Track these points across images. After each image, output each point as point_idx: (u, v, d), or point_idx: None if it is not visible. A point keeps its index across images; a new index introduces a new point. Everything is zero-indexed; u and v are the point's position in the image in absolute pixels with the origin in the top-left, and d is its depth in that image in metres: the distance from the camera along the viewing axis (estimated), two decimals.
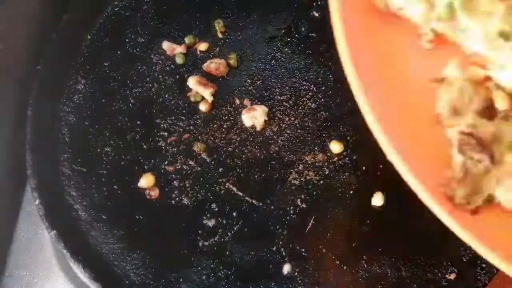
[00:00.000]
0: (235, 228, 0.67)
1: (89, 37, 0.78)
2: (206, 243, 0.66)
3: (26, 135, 0.70)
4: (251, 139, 0.71)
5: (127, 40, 0.77)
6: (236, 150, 0.71)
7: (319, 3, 0.78)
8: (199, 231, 0.67)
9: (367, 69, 0.48)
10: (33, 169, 0.68)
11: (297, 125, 0.72)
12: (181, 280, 0.65)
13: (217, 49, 0.76)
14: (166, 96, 0.74)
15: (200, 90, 0.73)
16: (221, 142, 0.71)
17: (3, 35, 0.72)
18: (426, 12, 0.50)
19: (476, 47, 0.51)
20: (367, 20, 0.50)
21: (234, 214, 0.68)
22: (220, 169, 0.70)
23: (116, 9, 0.79)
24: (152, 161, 0.71)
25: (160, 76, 0.75)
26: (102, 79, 0.75)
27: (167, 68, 0.76)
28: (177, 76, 0.75)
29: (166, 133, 0.72)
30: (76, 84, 0.75)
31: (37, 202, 0.67)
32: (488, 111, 0.49)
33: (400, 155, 0.47)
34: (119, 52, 0.76)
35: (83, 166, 0.71)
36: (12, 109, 0.75)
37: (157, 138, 0.72)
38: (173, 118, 0.73)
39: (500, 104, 0.49)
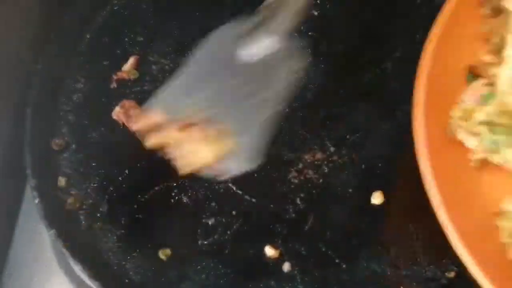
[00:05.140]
0: (234, 227, 0.67)
1: (88, 36, 0.78)
2: (205, 242, 0.66)
3: (25, 135, 0.70)
4: None
5: (126, 39, 0.77)
6: None
7: (318, 1, 0.78)
8: (199, 230, 0.67)
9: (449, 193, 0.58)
10: (32, 169, 0.68)
11: (296, 124, 0.72)
12: (180, 279, 0.65)
13: None
14: None
15: None
16: None
17: (2, 34, 0.72)
18: (478, 144, 0.60)
19: None
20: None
21: (234, 212, 0.68)
22: None
23: (115, 8, 0.80)
24: None
25: (160, 75, 0.75)
26: (102, 78, 0.75)
27: (167, 67, 0.76)
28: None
29: None
30: (76, 83, 0.75)
31: (36, 201, 0.67)
32: None
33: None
34: (118, 51, 0.77)
35: (82, 165, 0.71)
36: (12, 108, 0.75)
37: None
38: None
39: None
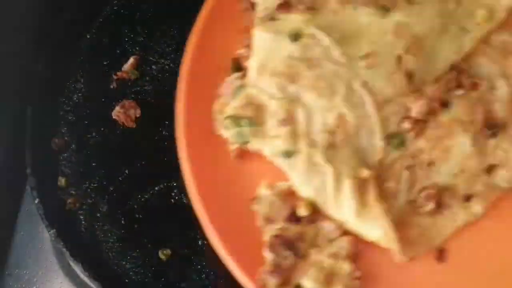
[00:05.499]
0: None
1: (88, 36, 0.78)
2: (206, 242, 0.66)
3: (26, 135, 0.70)
4: None
5: (126, 39, 0.77)
6: None
7: None
8: (199, 230, 0.67)
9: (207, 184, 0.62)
10: (33, 169, 0.68)
11: None
12: (180, 278, 0.65)
13: None
14: (166, 95, 0.74)
15: None
16: None
17: (3, 34, 0.72)
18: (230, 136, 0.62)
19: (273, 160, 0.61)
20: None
21: None
22: None
23: (115, 8, 0.80)
24: None
25: (160, 75, 0.75)
26: (102, 78, 0.75)
27: (167, 67, 0.76)
28: (177, 75, 0.75)
29: (167, 133, 0.72)
30: (76, 83, 0.75)
31: (36, 201, 0.67)
32: (295, 217, 0.59)
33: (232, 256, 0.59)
34: (118, 51, 0.77)
35: (82, 165, 0.71)
36: (12, 108, 0.75)
37: (157, 137, 0.72)
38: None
39: (302, 210, 0.59)
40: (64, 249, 0.64)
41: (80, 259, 0.64)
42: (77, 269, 0.65)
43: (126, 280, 0.65)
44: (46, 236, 0.71)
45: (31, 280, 0.71)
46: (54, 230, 0.65)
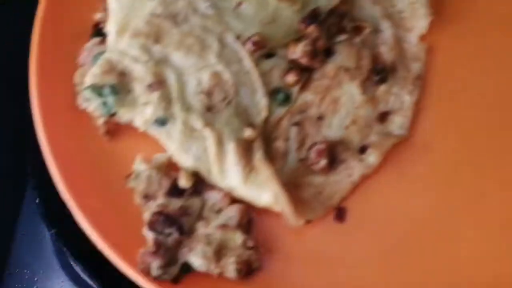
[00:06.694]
0: None
1: None
2: None
3: (26, 134, 0.70)
4: None
5: None
6: None
7: None
8: None
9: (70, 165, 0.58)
10: (33, 168, 0.68)
11: None
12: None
13: None
14: None
15: None
16: None
17: (2, 34, 0.72)
18: (94, 108, 0.58)
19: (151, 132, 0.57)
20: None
21: None
22: None
23: None
24: None
25: None
26: None
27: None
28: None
29: None
30: None
31: (37, 200, 0.67)
32: (177, 190, 0.55)
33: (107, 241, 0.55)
34: None
35: None
36: (12, 109, 0.75)
37: None
38: None
39: (183, 182, 0.55)
40: (64, 249, 0.64)
41: (80, 259, 0.64)
42: (78, 268, 0.65)
43: (126, 280, 0.65)
44: (47, 235, 0.72)
45: (32, 279, 0.71)
46: (55, 229, 0.65)
